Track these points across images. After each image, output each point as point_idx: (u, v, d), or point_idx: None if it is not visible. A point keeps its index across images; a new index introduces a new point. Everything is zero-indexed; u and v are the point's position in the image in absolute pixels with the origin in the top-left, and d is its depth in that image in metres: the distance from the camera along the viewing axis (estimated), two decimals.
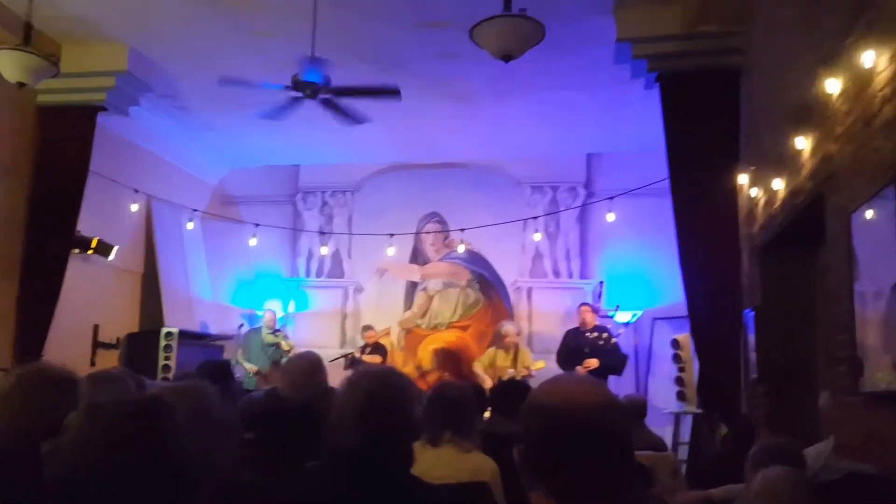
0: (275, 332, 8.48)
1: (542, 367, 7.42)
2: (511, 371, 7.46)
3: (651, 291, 8.52)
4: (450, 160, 9.22)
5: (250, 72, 6.04)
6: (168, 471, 1.29)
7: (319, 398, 2.65)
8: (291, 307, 9.66)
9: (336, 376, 3.70)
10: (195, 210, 9.07)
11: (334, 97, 5.55)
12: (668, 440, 6.51)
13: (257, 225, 9.13)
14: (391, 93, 5.66)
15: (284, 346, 8.31)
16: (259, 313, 8.77)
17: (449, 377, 8.14)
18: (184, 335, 7.92)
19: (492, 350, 7.98)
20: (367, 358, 8.25)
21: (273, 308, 8.82)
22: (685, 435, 6.84)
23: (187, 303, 8.86)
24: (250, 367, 8.21)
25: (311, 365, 2.91)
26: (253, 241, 9.06)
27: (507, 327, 7.84)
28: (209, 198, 9.69)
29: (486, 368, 7.79)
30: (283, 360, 7.96)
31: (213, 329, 9.12)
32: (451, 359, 9.12)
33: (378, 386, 1.83)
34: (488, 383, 7.16)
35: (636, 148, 7.99)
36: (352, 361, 8.17)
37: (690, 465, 6.36)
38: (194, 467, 1.34)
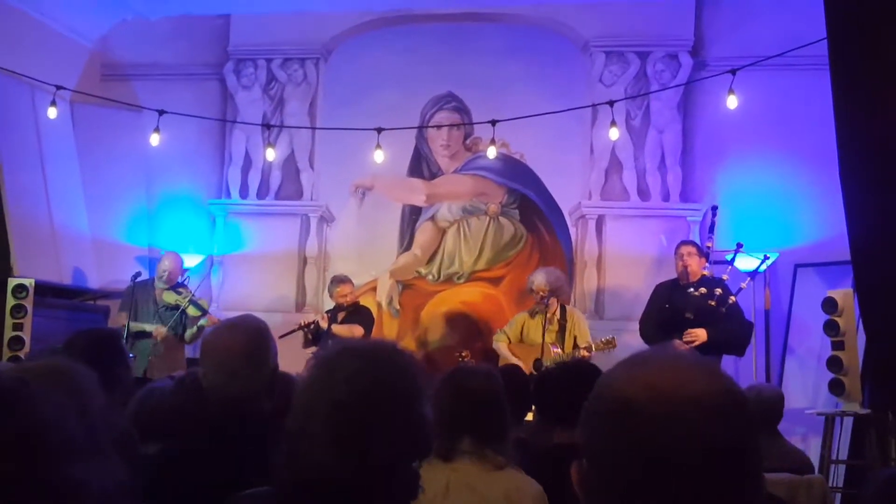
0: (176, 288, 8.52)
1: (612, 346, 7.60)
2: (557, 350, 7.65)
3: (792, 223, 8.70)
4: (474, 8, 9.34)
5: None
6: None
7: (264, 391, 2.81)
8: (216, 250, 9.79)
9: (290, 358, 3.81)
10: (60, 88, 8.94)
11: None
12: (815, 457, 6.72)
13: (161, 113, 8.98)
14: None
15: (192, 311, 8.37)
16: (166, 262, 8.77)
17: (469, 357, 8.19)
18: (44, 290, 8.09)
19: (521, 316, 8.19)
20: (338, 329, 8.25)
21: (175, 252, 8.90)
22: (842, 449, 7.12)
23: (50, 240, 8.99)
24: (159, 329, 8.26)
25: (250, 338, 2.93)
26: (155, 139, 8.99)
27: (539, 280, 7.99)
28: (83, 67, 9.79)
29: (514, 346, 7.98)
30: (191, 333, 8.21)
31: (93, 281, 9.29)
32: (474, 330, 9.25)
33: (365, 373, 1.91)
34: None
35: None
36: (315, 334, 8.26)
37: (849, 494, 6.73)
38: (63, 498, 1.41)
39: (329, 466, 1.85)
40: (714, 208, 8.67)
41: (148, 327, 8.26)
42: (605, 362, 7.37)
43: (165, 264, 8.58)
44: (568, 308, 8.04)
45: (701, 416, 1.18)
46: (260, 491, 2.03)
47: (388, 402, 1.89)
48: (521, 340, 7.95)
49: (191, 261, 9.32)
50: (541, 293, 7.82)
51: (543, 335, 7.63)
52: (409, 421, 1.92)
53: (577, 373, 4.22)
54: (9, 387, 1.50)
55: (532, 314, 7.99)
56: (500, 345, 8.04)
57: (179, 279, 8.69)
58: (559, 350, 7.63)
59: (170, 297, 8.39)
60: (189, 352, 8.37)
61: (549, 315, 7.77)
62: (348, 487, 1.84)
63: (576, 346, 7.66)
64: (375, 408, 1.88)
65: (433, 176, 9.64)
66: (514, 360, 7.61)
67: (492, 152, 8.76)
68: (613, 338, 7.61)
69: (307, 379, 1.97)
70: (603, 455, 1.22)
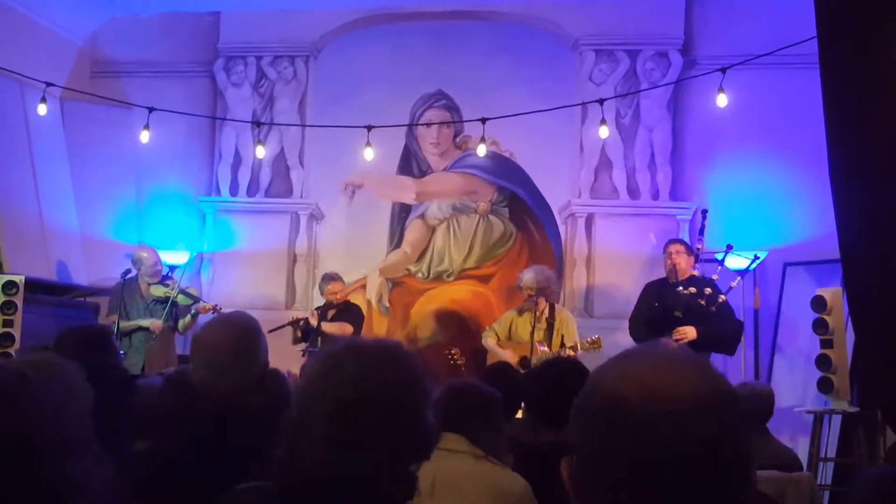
0: (163, 281, 8.51)
1: (597, 346, 7.59)
2: (544, 349, 7.61)
3: (781, 222, 8.70)
4: (464, 7, 9.30)
5: None
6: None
7: (254, 388, 2.81)
8: (205, 247, 9.78)
9: (279, 355, 3.54)
10: (49, 85, 8.85)
11: None
12: (804, 455, 6.75)
13: (151, 110, 8.91)
14: None
15: (183, 300, 8.40)
16: (143, 254, 8.73)
17: (459, 355, 8.30)
18: (34, 286, 8.03)
19: (510, 314, 8.18)
20: (328, 326, 8.23)
21: (150, 246, 8.89)
22: (830, 447, 7.13)
23: (40, 237, 8.95)
24: (155, 323, 8.22)
25: (240, 335, 2.93)
26: (145, 137, 8.92)
27: (527, 277, 7.99)
28: (73, 64, 9.74)
29: (503, 342, 7.96)
30: (185, 322, 8.20)
31: (83, 278, 9.25)
32: (463, 327, 9.24)
33: (372, 374, 1.89)
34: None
35: None
36: (305, 331, 8.23)
37: (837, 492, 6.74)
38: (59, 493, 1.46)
39: (329, 465, 1.84)
40: (704, 212, 8.59)
41: (144, 323, 8.21)
42: (590, 362, 7.43)
43: (149, 259, 8.51)
44: (556, 307, 8.01)
45: (693, 414, 1.18)
46: (257, 485, 2.03)
47: (393, 405, 1.89)
48: (509, 338, 7.92)
49: (180, 258, 9.28)
50: (529, 292, 7.81)
51: (532, 333, 7.60)
52: (412, 424, 1.91)
53: (563, 371, 4.21)
54: (9, 381, 1.52)
55: (520, 312, 7.98)
56: (489, 340, 8.02)
57: (164, 272, 8.63)
58: (546, 348, 7.60)
59: (158, 291, 8.35)
60: (180, 348, 8.31)
61: (537, 313, 7.75)
62: (347, 486, 1.84)
63: (563, 345, 7.64)
64: (380, 409, 1.87)
65: (423, 174, 9.62)
66: (503, 355, 7.59)
67: (482, 150, 8.69)
68: (599, 338, 7.59)
69: (310, 376, 1.97)
70: (594, 452, 1.22)
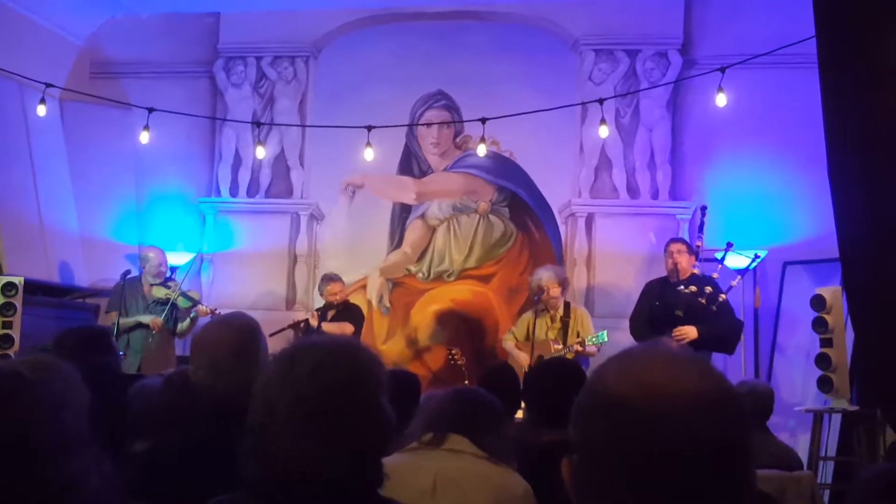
0: (165, 283, 8.49)
1: (603, 341, 7.58)
2: (557, 346, 7.65)
3: (781, 221, 8.70)
4: (464, 6, 9.31)
5: None
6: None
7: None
8: (206, 248, 9.75)
9: None
10: (49, 85, 8.79)
11: None
12: (804, 453, 6.75)
13: (151, 110, 8.88)
14: None
15: (183, 303, 8.36)
16: (150, 254, 8.75)
17: (460, 355, 8.29)
18: (34, 288, 8.01)
19: (528, 315, 8.11)
20: (328, 327, 8.23)
21: (159, 248, 8.85)
22: (831, 445, 7.14)
23: (39, 238, 8.94)
24: (155, 320, 8.20)
25: (240, 335, 2.93)
26: (145, 137, 8.89)
27: (544, 275, 7.96)
28: (72, 65, 9.74)
29: (521, 344, 7.93)
30: (183, 326, 8.20)
31: (83, 279, 9.24)
32: (464, 328, 9.24)
33: (327, 366, 1.93)
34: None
35: None
36: (305, 333, 8.11)
37: (838, 490, 6.74)
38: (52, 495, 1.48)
39: (293, 460, 1.86)
40: (703, 208, 8.59)
41: (143, 318, 8.20)
42: (595, 359, 7.45)
43: (155, 259, 8.52)
44: (572, 305, 8.01)
45: (695, 412, 1.18)
46: (230, 497, 2.04)
47: (350, 396, 1.91)
48: (527, 339, 7.89)
49: (180, 259, 9.27)
50: (552, 289, 7.77)
51: (546, 333, 7.66)
52: (371, 414, 1.94)
53: (560, 371, 4.21)
54: (5, 381, 1.52)
55: (536, 313, 7.93)
56: (509, 343, 8.02)
57: (167, 273, 8.64)
58: (559, 346, 7.62)
59: (159, 292, 8.33)
60: (180, 349, 8.31)
61: (552, 312, 7.79)
62: (312, 481, 1.86)
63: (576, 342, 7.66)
64: (339, 401, 1.89)
65: (423, 174, 9.61)
66: (521, 357, 7.62)
67: (482, 150, 8.68)
68: (605, 332, 7.57)
69: (268, 375, 1.99)
70: (595, 451, 1.22)
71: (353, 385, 1.94)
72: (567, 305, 7.91)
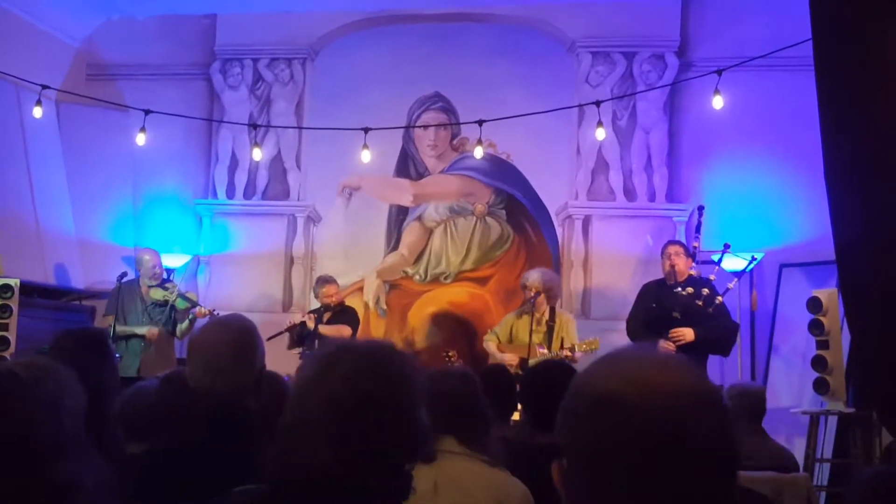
0: (163, 284, 8.44)
1: (595, 348, 7.57)
2: (543, 351, 7.62)
3: (777, 223, 8.72)
4: (461, 9, 9.30)
5: None
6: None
7: (251, 390, 2.82)
8: (202, 250, 9.77)
9: (275, 359, 3.84)
10: (45, 87, 8.81)
11: None
12: (800, 455, 6.73)
13: (147, 112, 8.86)
14: None
15: (181, 304, 8.31)
16: (145, 256, 8.71)
17: (456, 357, 8.16)
18: (30, 290, 8.04)
19: (510, 316, 8.15)
20: (325, 329, 8.18)
21: (153, 249, 8.80)
22: (826, 447, 7.16)
23: (35, 240, 8.93)
24: (152, 331, 8.16)
25: (237, 337, 2.93)
26: (141, 139, 8.88)
27: (533, 277, 7.97)
28: (69, 67, 9.74)
29: (503, 345, 7.95)
30: (182, 328, 8.18)
31: (79, 281, 9.24)
32: (461, 330, 9.24)
33: (365, 373, 1.90)
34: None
35: None
36: (300, 335, 8.18)
37: (834, 492, 6.75)
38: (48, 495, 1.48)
39: (322, 465, 1.83)
40: (700, 208, 8.61)
41: (139, 330, 8.15)
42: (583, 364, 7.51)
43: (150, 261, 8.48)
44: (557, 310, 8.00)
45: (690, 409, 1.18)
46: (251, 488, 2.02)
47: (385, 404, 1.89)
48: (510, 341, 7.91)
49: (177, 261, 9.28)
50: (533, 290, 7.77)
51: (531, 336, 7.59)
52: (405, 423, 1.91)
53: (553, 373, 4.19)
54: (3, 381, 1.51)
55: (519, 315, 7.96)
56: (490, 344, 8.00)
57: (163, 275, 8.62)
58: (545, 350, 7.60)
59: (157, 294, 8.31)
60: (179, 351, 8.28)
61: (537, 316, 7.75)
62: (340, 486, 1.83)
63: (562, 346, 7.64)
64: (373, 408, 1.87)
65: (420, 176, 9.60)
66: (504, 358, 7.60)
67: (478, 152, 8.68)
68: (596, 339, 7.57)
69: (303, 376, 1.96)
70: (587, 453, 1.21)
71: (387, 394, 1.91)
72: (552, 310, 7.90)
